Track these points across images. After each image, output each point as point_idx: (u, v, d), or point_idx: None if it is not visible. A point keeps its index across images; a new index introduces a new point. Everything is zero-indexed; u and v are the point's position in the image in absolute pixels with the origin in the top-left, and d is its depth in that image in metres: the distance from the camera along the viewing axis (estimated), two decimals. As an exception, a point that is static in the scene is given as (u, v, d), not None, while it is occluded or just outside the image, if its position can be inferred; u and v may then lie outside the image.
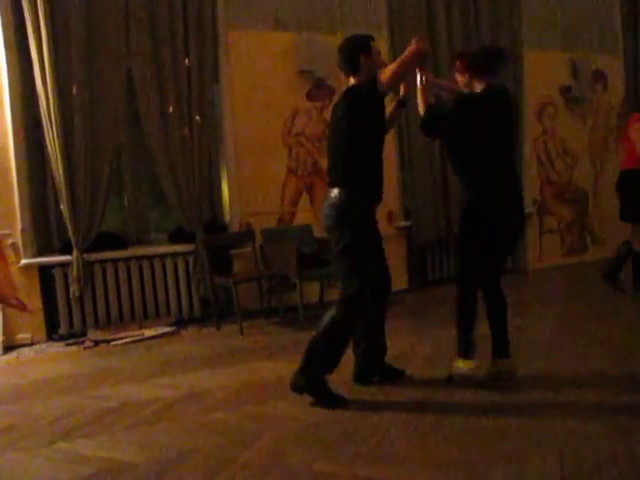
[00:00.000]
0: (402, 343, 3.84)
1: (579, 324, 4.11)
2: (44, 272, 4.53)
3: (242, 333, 4.34)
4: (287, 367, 3.13)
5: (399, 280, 5.62)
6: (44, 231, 4.69)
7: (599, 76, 6.46)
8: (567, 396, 2.77)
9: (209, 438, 2.51)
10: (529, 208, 6.18)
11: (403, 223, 5.63)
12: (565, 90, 6.29)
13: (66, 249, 4.52)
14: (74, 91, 4.39)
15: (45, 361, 4.04)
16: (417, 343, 3.86)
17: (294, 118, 5.18)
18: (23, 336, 4.47)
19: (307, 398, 2.82)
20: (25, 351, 4.30)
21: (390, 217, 5.57)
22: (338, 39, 5.29)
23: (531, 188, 6.19)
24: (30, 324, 4.48)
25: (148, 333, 4.49)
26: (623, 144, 4.67)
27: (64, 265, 4.51)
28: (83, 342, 4.38)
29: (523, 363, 3.28)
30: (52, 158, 4.40)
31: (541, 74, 6.06)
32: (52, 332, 4.55)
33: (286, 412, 2.74)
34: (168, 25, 4.63)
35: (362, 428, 2.53)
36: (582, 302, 4.78)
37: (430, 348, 3.72)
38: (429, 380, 3.12)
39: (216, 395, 3.06)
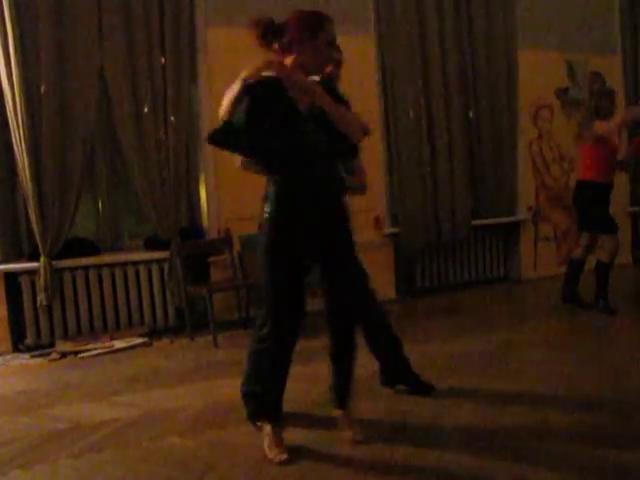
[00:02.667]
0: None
1: (570, 339, 3.89)
2: (11, 280, 4.31)
3: (216, 346, 4.11)
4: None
5: (386, 290, 5.40)
6: (13, 236, 4.47)
7: (597, 78, 6.23)
8: (558, 424, 2.53)
9: (158, 469, 2.28)
10: (523, 215, 5.98)
11: (391, 230, 5.40)
12: (562, 92, 6.06)
13: (34, 255, 4.30)
14: (42, 90, 4.18)
15: (5, 375, 3.81)
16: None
17: (277, 119, 4.95)
18: (-13, 347, 4.25)
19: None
20: (-13, 363, 4.08)
21: (377, 223, 5.34)
22: (323, 37, 5.11)
23: (526, 194, 5.97)
24: (-6, 334, 4.26)
25: (119, 345, 4.26)
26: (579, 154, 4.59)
27: (32, 272, 4.29)
28: (49, 354, 4.16)
29: (509, 382, 3.06)
30: (19, 159, 4.18)
31: (536, 75, 5.83)
32: (18, 343, 4.33)
33: (247, 439, 2.50)
34: (143, 21, 4.42)
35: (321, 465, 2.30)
36: (574, 315, 4.54)
37: (414, 366, 3.46)
38: (403, 406, 2.88)
39: (176, 417, 2.83)
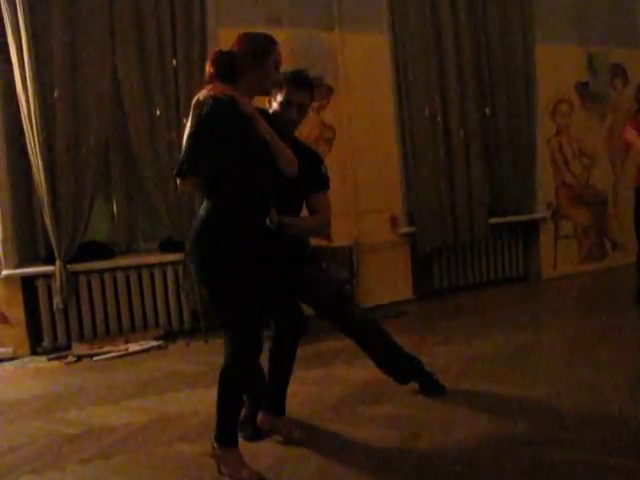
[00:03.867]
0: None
1: (590, 344, 3.74)
2: (27, 283, 4.35)
3: (230, 348, 4.09)
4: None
5: (402, 290, 5.35)
6: (29, 240, 4.52)
7: (618, 71, 6.07)
8: (571, 432, 2.45)
9: (165, 476, 2.27)
10: (543, 212, 5.87)
11: (407, 229, 5.33)
12: (581, 86, 5.92)
13: (50, 259, 4.33)
14: (55, 94, 4.20)
15: (22, 378, 3.85)
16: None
17: (290, 120, 4.92)
18: (5, 350, 4.29)
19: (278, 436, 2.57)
20: (6, 366, 4.12)
21: (393, 223, 5.28)
22: (336, 36, 5.07)
23: (545, 191, 5.85)
24: (13, 337, 4.30)
25: (133, 348, 4.28)
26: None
27: (48, 276, 4.32)
28: (66, 357, 4.19)
29: (526, 388, 2.98)
30: (33, 163, 4.21)
31: (555, 69, 5.70)
32: (36, 345, 4.37)
33: (254, 447, 2.48)
34: (155, 24, 4.42)
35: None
36: (596, 316, 4.39)
37: (429, 369, 3.39)
38: (417, 410, 2.83)
39: (186, 422, 2.82)
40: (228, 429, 2.19)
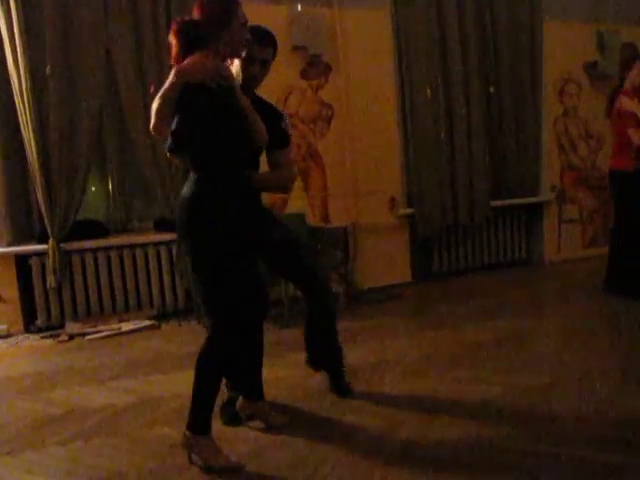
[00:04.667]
0: (388, 347, 3.50)
1: (594, 329, 3.66)
2: (22, 261, 4.33)
3: (222, 329, 4.06)
4: (266, 371, 2.82)
5: (401, 273, 5.29)
6: (25, 218, 4.48)
7: (629, 50, 5.87)
8: (557, 425, 2.38)
9: (142, 460, 2.24)
10: (547, 195, 5.75)
11: (406, 211, 5.24)
12: (590, 66, 5.74)
13: (43, 237, 4.30)
14: (48, 70, 4.13)
15: (14, 356, 3.84)
16: (407, 347, 3.50)
17: (287, 98, 4.83)
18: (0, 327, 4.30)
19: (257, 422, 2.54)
20: (-1, 343, 4.13)
21: (392, 204, 5.19)
22: (335, 12, 4.93)
23: (550, 173, 5.72)
24: (7, 315, 4.29)
25: (126, 327, 4.26)
26: None
27: (41, 254, 4.30)
28: (58, 335, 4.18)
29: (519, 375, 2.91)
30: (26, 142, 4.16)
31: (563, 48, 5.54)
32: (30, 324, 4.37)
33: (237, 432, 2.45)
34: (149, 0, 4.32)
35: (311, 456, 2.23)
36: (601, 301, 4.31)
37: (419, 354, 3.35)
38: (403, 397, 2.78)
39: (168, 404, 2.79)
40: (202, 417, 2.14)
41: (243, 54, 2.32)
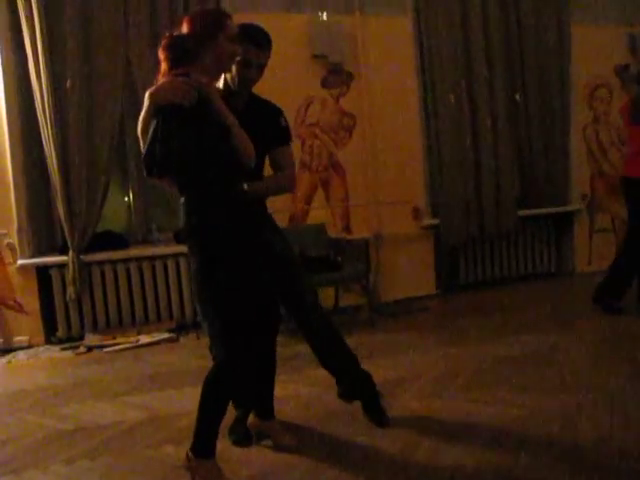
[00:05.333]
0: (405, 364, 3.38)
1: (623, 347, 3.45)
2: (42, 273, 4.36)
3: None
4: (277, 388, 2.76)
5: (425, 285, 5.15)
6: (46, 230, 4.51)
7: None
8: (579, 455, 2.22)
9: (144, 482, 2.19)
10: (577, 204, 5.54)
11: (431, 221, 5.11)
12: (621, 69, 5.53)
13: (64, 249, 4.32)
14: (68, 84, 4.16)
15: (32, 368, 3.86)
16: (425, 364, 3.37)
17: (308, 107, 4.77)
18: (21, 338, 4.32)
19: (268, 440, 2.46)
20: (20, 355, 4.14)
21: (415, 214, 5.07)
22: (357, 20, 4.85)
23: (580, 182, 5.52)
24: (28, 327, 4.32)
25: (144, 340, 4.24)
26: None
27: (61, 266, 4.32)
28: (77, 347, 4.18)
29: (542, 395, 2.76)
30: (47, 154, 4.20)
31: (592, 52, 5.35)
32: (50, 335, 4.38)
33: (244, 453, 2.37)
34: (168, 12, 4.32)
35: None
36: (628, 316, 4.10)
37: (437, 372, 3.22)
38: (418, 419, 2.65)
39: (179, 422, 2.71)
40: (207, 439, 2.06)
41: (238, 57, 2.22)
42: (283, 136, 2.43)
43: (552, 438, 2.34)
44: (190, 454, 2.06)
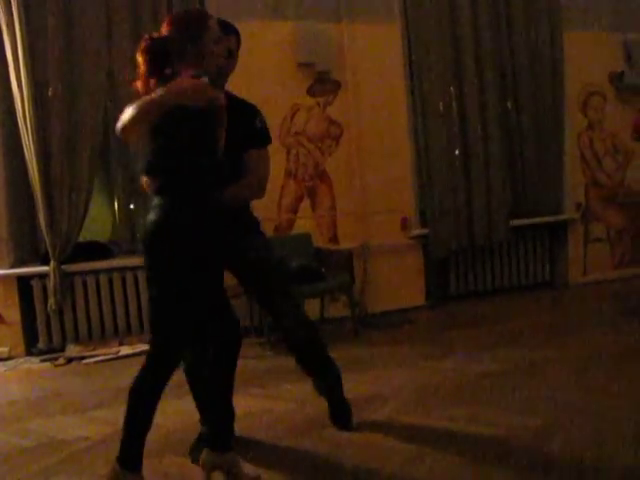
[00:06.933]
0: (386, 378, 3.28)
1: (615, 363, 3.30)
2: (24, 283, 4.30)
3: (220, 355, 3.92)
4: (249, 402, 2.71)
5: (414, 296, 5.06)
6: (27, 240, 4.46)
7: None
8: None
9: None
10: (571, 213, 5.44)
11: (419, 231, 5.02)
12: (616, 77, 5.44)
13: (46, 259, 4.27)
14: (50, 92, 4.13)
15: (7, 380, 3.81)
16: (406, 378, 3.26)
17: (293, 116, 4.71)
18: (1, 350, 4.25)
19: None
20: (-1, 366, 4.09)
21: (404, 224, 4.99)
22: (344, 27, 4.80)
23: (574, 191, 5.42)
24: (9, 338, 4.26)
25: (125, 351, 4.17)
26: None
27: (43, 276, 4.26)
28: (57, 359, 4.12)
29: (523, 415, 2.64)
30: (28, 163, 4.16)
31: (586, 60, 5.26)
32: (31, 346, 4.32)
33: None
34: (151, 20, 4.28)
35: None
36: (621, 329, 3.98)
37: (417, 387, 3.11)
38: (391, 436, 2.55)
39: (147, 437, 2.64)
40: (132, 451, 1.99)
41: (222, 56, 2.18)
42: (256, 138, 2.37)
43: (529, 459, 2.23)
44: (116, 465, 1.98)
